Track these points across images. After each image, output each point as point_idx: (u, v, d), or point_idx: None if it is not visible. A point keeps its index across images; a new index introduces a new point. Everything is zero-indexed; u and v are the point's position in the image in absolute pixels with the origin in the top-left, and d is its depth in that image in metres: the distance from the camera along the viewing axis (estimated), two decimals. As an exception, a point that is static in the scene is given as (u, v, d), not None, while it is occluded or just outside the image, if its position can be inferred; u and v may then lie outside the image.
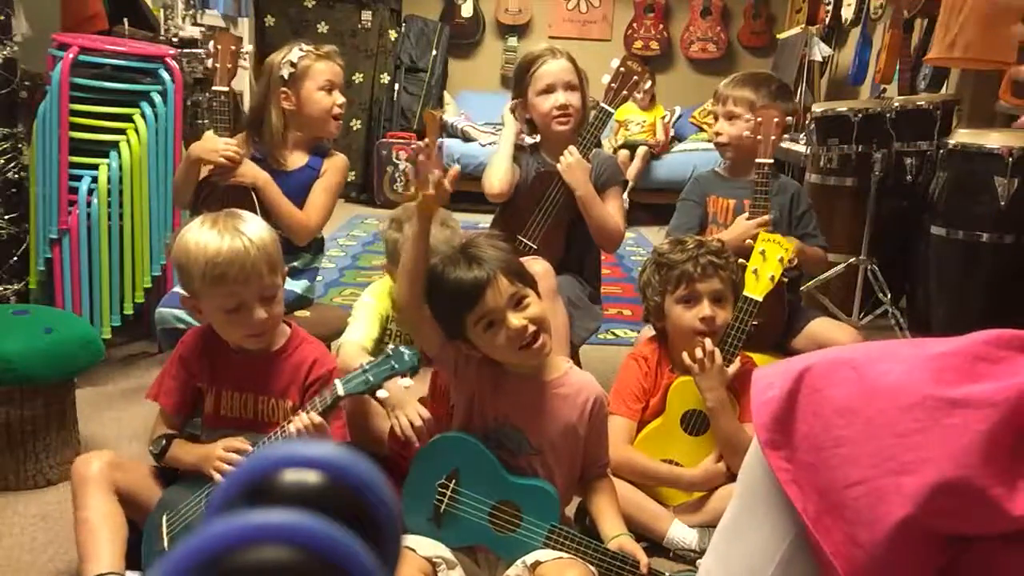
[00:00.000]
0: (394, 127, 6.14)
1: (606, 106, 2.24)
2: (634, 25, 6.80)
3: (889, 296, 3.23)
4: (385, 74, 6.36)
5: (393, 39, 6.39)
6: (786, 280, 2.00)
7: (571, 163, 2.19)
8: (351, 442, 1.77)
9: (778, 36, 6.35)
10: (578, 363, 2.38)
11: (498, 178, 2.26)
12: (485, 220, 2.46)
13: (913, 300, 3.34)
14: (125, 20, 3.24)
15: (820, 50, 5.28)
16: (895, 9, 4.16)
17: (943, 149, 2.95)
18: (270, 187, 2.16)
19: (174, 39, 3.71)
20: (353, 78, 6.31)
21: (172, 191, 2.37)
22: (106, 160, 2.55)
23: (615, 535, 1.58)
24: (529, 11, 6.85)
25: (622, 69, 2.24)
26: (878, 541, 0.83)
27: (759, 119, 2.18)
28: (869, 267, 3.25)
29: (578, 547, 1.52)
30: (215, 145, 2.12)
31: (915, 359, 0.88)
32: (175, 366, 1.65)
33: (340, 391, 1.50)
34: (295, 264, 2.28)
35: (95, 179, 2.53)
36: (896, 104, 3.13)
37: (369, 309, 1.98)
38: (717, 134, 2.38)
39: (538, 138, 2.36)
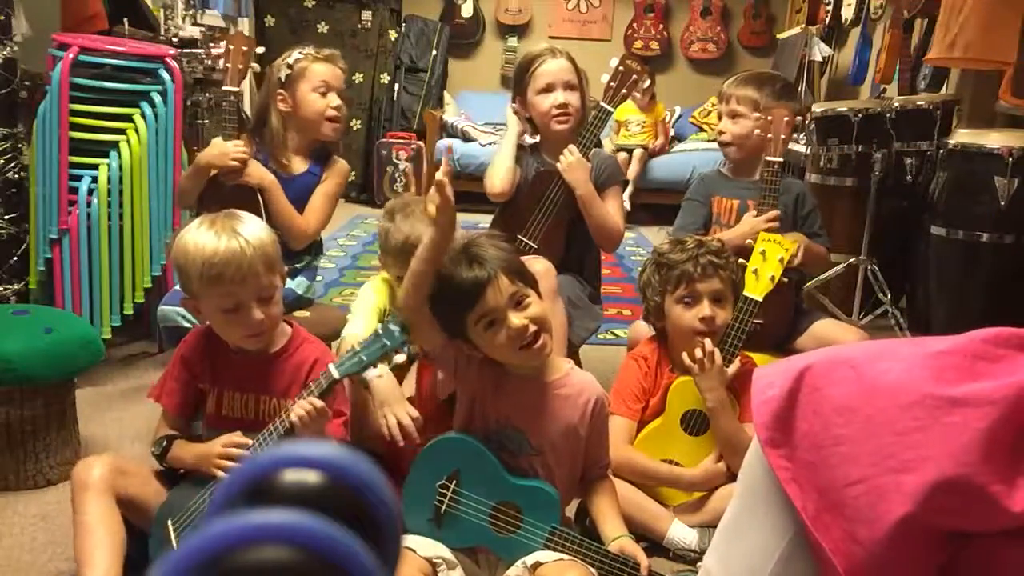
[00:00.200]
0: (394, 127, 6.14)
1: (605, 105, 2.24)
2: (634, 25, 6.80)
3: (889, 296, 3.23)
4: (385, 74, 6.36)
5: (393, 39, 6.39)
6: (786, 280, 2.00)
7: (572, 162, 2.19)
8: (351, 438, 1.78)
9: (778, 36, 6.35)
10: (578, 363, 2.37)
11: (500, 177, 2.26)
12: (485, 220, 2.46)
13: (913, 300, 3.34)
14: (125, 20, 3.24)
15: (820, 50, 5.28)
16: (895, 9, 4.16)
17: (943, 149, 2.95)
18: (275, 190, 2.16)
19: (174, 39, 3.71)
20: (353, 78, 6.31)
21: (176, 193, 2.36)
22: (106, 160, 2.55)
23: (616, 537, 1.58)
24: (529, 11, 6.85)
25: (621, 68, 2.24)
26: (878, 539, 0.83)
27: (769, 117, 2.17)
28: (869, 267, 3.25)
29: (579, 549, 1.52)
30: (224, 149, 2.13)
31: (915, 358, 0.88)
32: (177, 367, 1.65)
33: (335, 374, 1.49)
34: (295, 265, 2.28)
35: (95, 179, 2.54)
36: (896, 104, 3.13)
37: (368, 303, 1.99)
38: (720, 133, 2.38)
39: (538, 138, 2.36)
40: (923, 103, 3.09)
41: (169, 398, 1.64)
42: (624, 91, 2.25)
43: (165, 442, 1.60)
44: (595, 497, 1.66)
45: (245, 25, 5.86)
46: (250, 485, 0.49)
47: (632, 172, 5.68)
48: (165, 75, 2.66)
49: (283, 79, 2.21)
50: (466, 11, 6.79)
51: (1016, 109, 3.13)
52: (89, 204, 2.53)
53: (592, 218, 2.23)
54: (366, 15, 6.35)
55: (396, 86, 6.24)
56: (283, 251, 2.21)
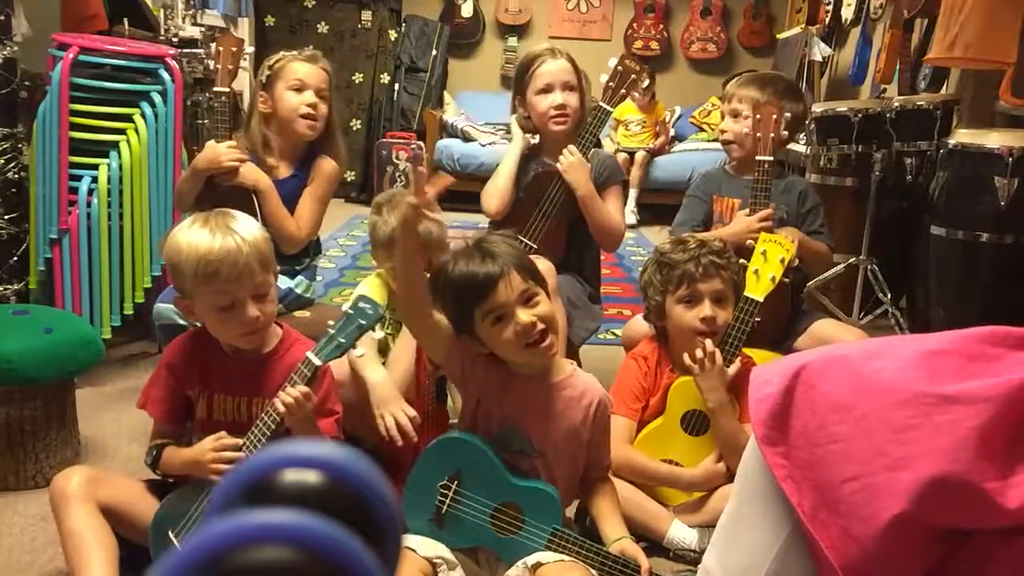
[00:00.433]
0: (394, 127, 6.14)
1: (604, 105, 2.24)
2: (634, 25, 6.80)
3: (889, 296, 3.23)
4: (385, 74, 6.36)
5: (393, 39, 6.39)
6: (787, 280, 2.00)
7: (572, 162, 2.19)
8: (353, 431, 1.77)
9: (778, 36, 6.35)
10: (578, 363, 2.37)
11: (495, 200, 2.28)
12: (484, 220, 2.46)
13: (913, 300, 3.34)
14: (125, 20, 3.24)
15: (820, 50, 5.28)
16: (895, 9, 4.16)
17: (943, 149, 2.95)
18: (271, 192, 2.15)
19: (174, 39, 3.71)
20: (353, 78, 6.32)
21: (174, 197, 2.35)
22: (106, 160, 2.55)
23: (616, 538, 1.58)
24: (529, 11, 6.85)
25: (620, 68, 2.24)
26: (873, 536, 0.83)
27: (758, 116, 2.18)
28: (869, 267, 3.25)
29: (580, 550, 1.52)
30: (217, 152, 2.12)
31: (910, 356, 0.89)
32: (162, 373, 1.63)
33: (316, 361, 1.48)
34: (295, 267, 2.28)
35: (95, 179, 2.54)
36: (896, 104, 3.13)
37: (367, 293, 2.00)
38: (722, 131, 2.38)
39: (538, 138, 2.36)
40: (923, 103, 3.09)
41: (155, 406, 1.62)
42: (623, 91, 2.25)
43: (155, 451, 1.58)
44: (596, 498, 1.66)
45: (245, 25, 5.85)
46: (250, 485, 0.49)
47: (634, 177, 5.68)
48: (165, 75, 2.66)
49: (264, 80, 2.20)
50: (466, 11, 6.79)
51: (1016, 109, 3.13)
52: (89, 204, 2.53)
53: (593, 218, 2.23)
54: (366, 15, 6.35)
55: (396, 86, 6.24)
56: (282, 252, 2.23)
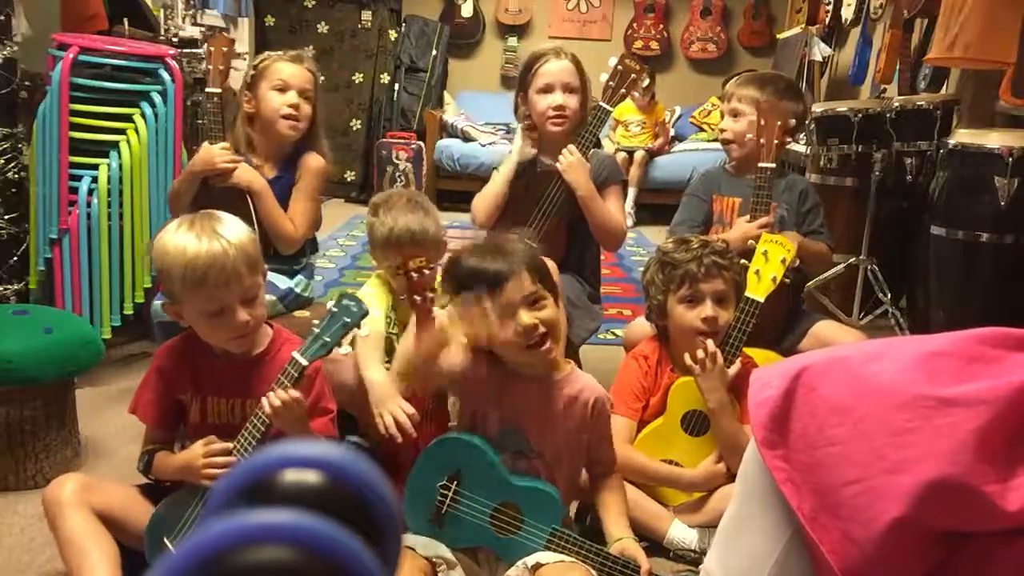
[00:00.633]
0: (394, 127, 6.14)
1: (604, 104, 2.24)
2: (634, 25, 6.80)
3: (889, 296, 3.23)
4: (385, 74, 6.36)
5: (393, 39, 6.39)
6: (788, 280, 2.00)
7: (571, 162, 2.19)
8: (358, 425, 1.77)
9: (778, 36, 6.35)
10: (578, 363, 2.37)
11: (482, 212, 2.29)
12: (485, 220, 2.46)
13: (913, 300, 3.34)
14: (125, 20, 3.24)
15: (820, 50, 5.28)
16: (895, 9, 4.16)
17: (943, 149, 2.95)
18: (266, 193, 2.15)
19: (174, 39, 3.71)
20: (353, 78, 6.32)
21: (169, 200, 2.31)
22: (106, 160, 2.55)
23: (618, 538, 1.58)
24: (529, 11, 6.85)
25: (620, 67, 2.24)
26: (873, 539, 0.83)
27: (761, 121, 2.17)
28: (869, 267, 3.25)
29: (579, 550, 1.52)
30: (211, 154, 2.11)
31: (909, 358, 0.88)
32: (152, 378, 1.61)
33: (303, 361, 1.48)
34: (294, 267, 2.28)
35: (95, 179, 2.53)
36: (896, 104, 3.13)
37: (370, 295, 2.01)
38: (722, 131, 2.38)
39: (535, 150, 2.36)
40: (923, 103, 3.09)
41: (146, 410, 1.61)
42: (623, 90, 2.25)
43: (147, 456, 1.58)
44: (601, 496, 1.66)
45: (245, 25, 5.86)
46: (250, 485, 0.49)
47: (633, 176, 5.68)
48: (165, 75, 2.66)
49: (248, 80, 2.19)
50: (466, 11, 6.79)
51: (1016, 109, 3.13)
52: (89, 204, 2.53)
53: (594, 217, 2.23)
54: (366, 15, 6.35)
55: (396, 86, 6.24)
56: (280, 252, 2.22)
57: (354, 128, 6.30)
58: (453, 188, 5.91)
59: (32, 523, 1.80)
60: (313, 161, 2.25)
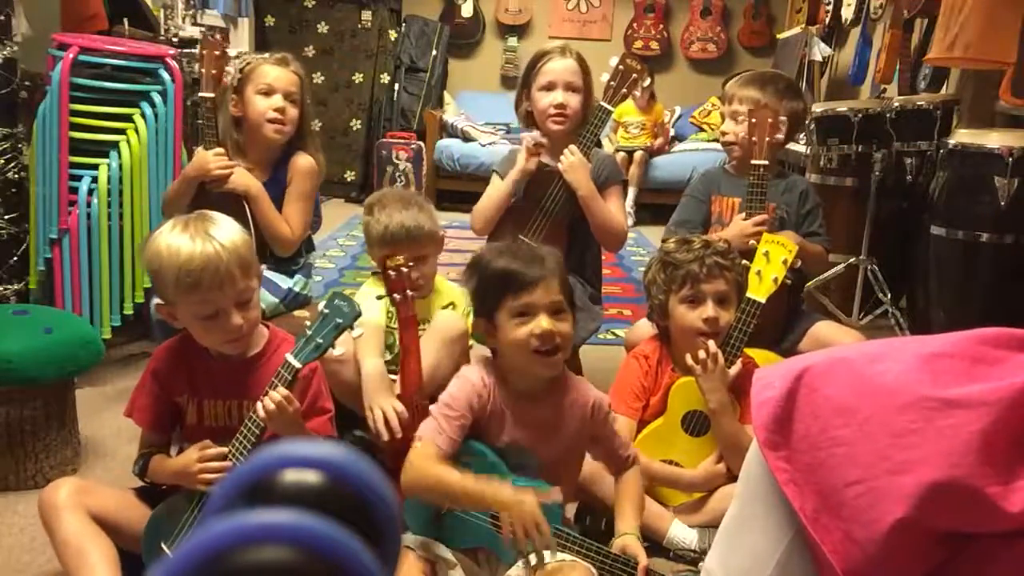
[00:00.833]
0: (394, 127, 6.14)
1: (605, 104, 2.24)
2: (634, 25, 6.80)
3: (889, 296, 3.23)
4: (385, 74, 6.36)
5: (393, 39, 6.39)
6: (789, 281, 2.00)
7: (573, 162, 2.19)
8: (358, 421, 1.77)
9: (778, 36, 6.35)
10: (578, 363, 2.38)
11: (479, 222, 2.30)
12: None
13: (913, 300, 3.34)
14: (125, 20, 3.24)
15: (820, 50, 5.28)
16: (895, 9, 4.16)
17: (943, 149, 2.95)
18: (262, 197, 2.14)
19: (174, 39, 3.71)
20: (353, 78, 6.32)
21: (163, 206, 2.28)
22: (106, 160, 2.55)
23: (622, 533, 1.58)
24: (529, 11, 6.85)
25: (621, 67, 2.24)
26: (875, 540, 0.83)
27: (754, 120, 2.17)
28: (869, 267, 3.25)
29: (580, 549, 1.52)
30: (205, 159, 2.11)
31: (912, 359, 0.88)
32: (148, 381, 1.61)
33: (296, 363, 1.47)
34: (292, 267, 2.28)
35: (95, 179, 2.53)
36: (896, 104, 3.13)
37: (368, 293, 2.01)
38: (723, 133, 2.37)
39: (537, 135, 2.36)
40: (923, 103, 3.09)
41: (142, 414, 1.60)
42: (624, 90, 2.25)
43: (143, 460, 1.58)
44: (616, 488, 1.67)
45: (245, 25, 5.86)
46: (250, 485, 0.49)
47: (633, 176, 5.68)
48: (165, 75, 2.66)
49: (235, 83, 2.18)
50: (466, 11, 6.79)
51: (1016, 109, 3.13)
52: (89, 204, 2.53)
53: (595, 217, 2.23)
54: (366, 15, 6.35)
55: (396, 86, 6.24)
56: (277, 255, 2.22)
57: (354, 128, 6.30)
58: (453, 188, 5.91)
59: (32, 523, 1.80)
60: (303, 162, 2.24)
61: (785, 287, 2.01)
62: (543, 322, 1.49)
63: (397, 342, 1.84)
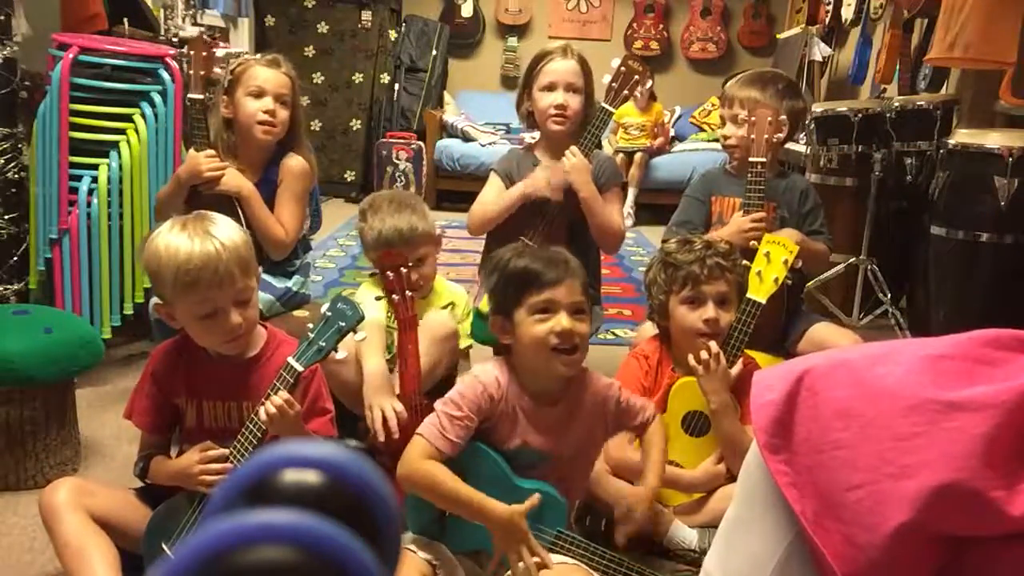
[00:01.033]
0: (394, 127, 6.14)
1: (607, 105, 2.24)
2: (634, 25, 6.80)
3: (889, 296, 3.23)
4: (385, 74, 6.36)
5: (393, 39, 6.39)
6: (790, 282, 2.00)
7: (576, 164, 2.18)
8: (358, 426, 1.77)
9: (778, 36, 6.35)
10: (578, 363, 2.38)
11: (480, 225, 2.30)
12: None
13: (913, 300, 3.34)
14: (125, 20, 3.24)
15: (820, 50, 5.28)
16: (895, 9, 4.16)
17: (943, 149, 2.95)
18: (254, 198, 2.13)
19: (174, 39, 3.71)
20: (353, 78, 6.32)
21: (156, 208, 2.27)
22: (106, 160, 2.55)
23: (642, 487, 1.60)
24: (529, 11, 6.85)
25: (623, 69, 2.24)
26: (877, 544, 0.82)
27: (752, 119, 2.18)
28: (869, 267, 3.25)
29: (584, 552, 1.52)
30: (197, 162, 2.10)
31: (914, 361, 0.88)
32: (147, 384, 1.60)
33: (298, 367, 1.47)
34: (288, 268, 2.27)
35: (95, 179, 2.54)
36: (896, 104, 3.13)
37: (367, 293, 2.02)
38: (725, 137, 2.37)
39: (537, 135, 2.36)
40: (923, 103, 3.09)
41: (141, 417, 1.60)
42: (626, 92, 2.25)
43: (143, 462, 1.57)
44: (642, 444, 1.68)
45: (245, 25, 5.86)
46: (250, 485, 0.49)
47: (634, 176, 5.68)
48: (165, 75, 2.66)
49: (227, 84, 2.18)
50: (466, 11, 6.79)
51: (1016, 109, 3.13)
52: (89, 204, 2.53)
53: (595, 219, 2.23)
54: (366, 15, 6.35)
55: (396, 86, 6.24)
56: (272, 259, 2.22)
57: (354, 128, 6.30)
58: (453, 188, 5.91)
59: (33, 523, 1.80)
60: (295, 163, 2.23)
61: (785, 288, 2.01)
62: (563, 320, 1.49)
63: (395, 342, 1.84)
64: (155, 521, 1.51)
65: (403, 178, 5.91)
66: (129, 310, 2.64)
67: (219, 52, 2.27)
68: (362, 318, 1.50)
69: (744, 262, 1.91)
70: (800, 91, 2.52)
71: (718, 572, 1.03)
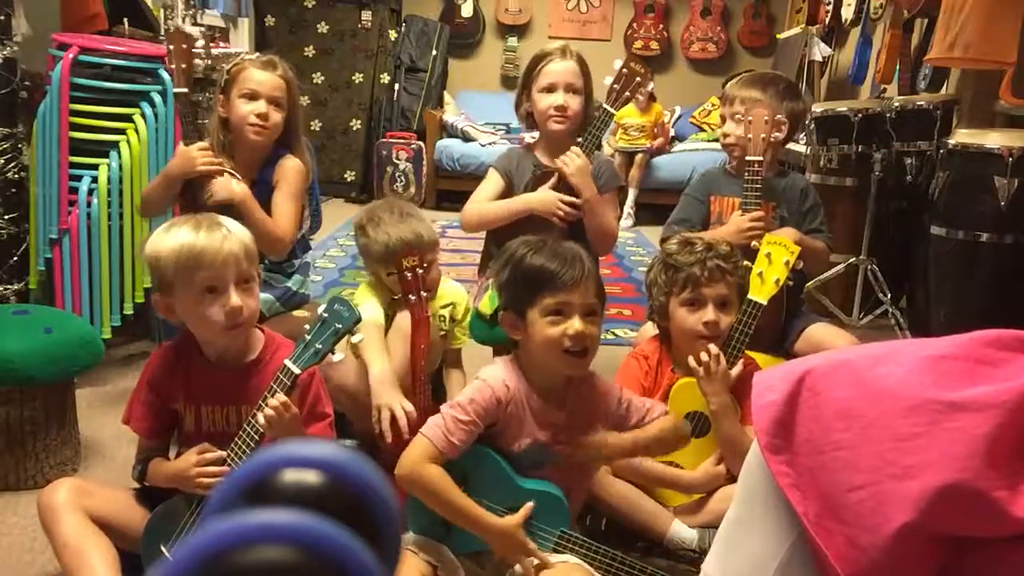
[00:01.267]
0: (394, 127, 6.14)
1: (608, 107, 2.23)
2: (634, 25, 6.80)
3: (889, 296, 3.23)
4: (385, 74, 6.36)
5: (393, 39, 6.39)
6: (790, 282, 2.00)
7: (580, 165, 2.18)
8: (359, 421, 1.76)
9: (778, 36, 6.35)
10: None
11: (476, 225, 2.28)
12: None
13: (913, 300, 3.34)
14: (125, 20, 3.24)
15: (820, 50, 5.28)
16: (895, 9, 4.16)
17: (943, 149, 2.95)
18: (248, 201, 2.09)
19: (174, 39, 3.70)
20: (353, 78, 6.32)
21: (140, 206, 2.23)
22: (106, 160, 2.55)
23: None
24: (529, 11, 6.85)
25: (625, 70, 2.24)
26: (879, 545, 0.82)
27: (750, 118, 2.17)
28: (869, 267, 3.25)
29: (588, 552, 1.51)
30: (190, 156, 2.05)
31: (915, 361, 0.88)
32: (143, 389, 1.59)
33: (295, 369, 1.46)
34: (287, 269, 2.27)
35: (95, 179, 2.54)
36: (896, 104, 3.13)
37: (366, 292, 2.02)
38: (725, 136, 2.37)
39: (537, 135, 2.36)
40: (923, 103, 3.09)
41: (138, 422, 1.59)
42: (627, 93, 2.25)
43: (141, 465, 1.57)
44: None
45: (245, 25, 5.86)
46: (250, 485, 0.49)
47: (634, 177, 5.68)
48: (165, 75, 2.66)
49: (222, 84, 2.17)
50: (466, 11, 6.79)
51: (1016, 109, 3.13)
52: (89, 204, 2.53)
53: (594, 221, 2.22)
54: (366, 15, 6.35)
55: (396, 86, 6.24)
56: (271, 260, 2.22)
57: (354, 128, 6.30)
58: (453, 188, 5.91)
59: (32, 523, 1.80)
60: (290, 164, 2.21)
61: (785, 288, 2.01)
62: (576, 323, 1.48)
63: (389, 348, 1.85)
64: (154, 522, 1.51)
65: (403, 178, 5.91)
66: (129, 310, 2.65)
67: (216, 52, 2.26)
68: (359, 319, 1.49)
69: (745, 263, 1.91)
70: (800, 93, 2.52)
71: (718, 574, 1.03)
